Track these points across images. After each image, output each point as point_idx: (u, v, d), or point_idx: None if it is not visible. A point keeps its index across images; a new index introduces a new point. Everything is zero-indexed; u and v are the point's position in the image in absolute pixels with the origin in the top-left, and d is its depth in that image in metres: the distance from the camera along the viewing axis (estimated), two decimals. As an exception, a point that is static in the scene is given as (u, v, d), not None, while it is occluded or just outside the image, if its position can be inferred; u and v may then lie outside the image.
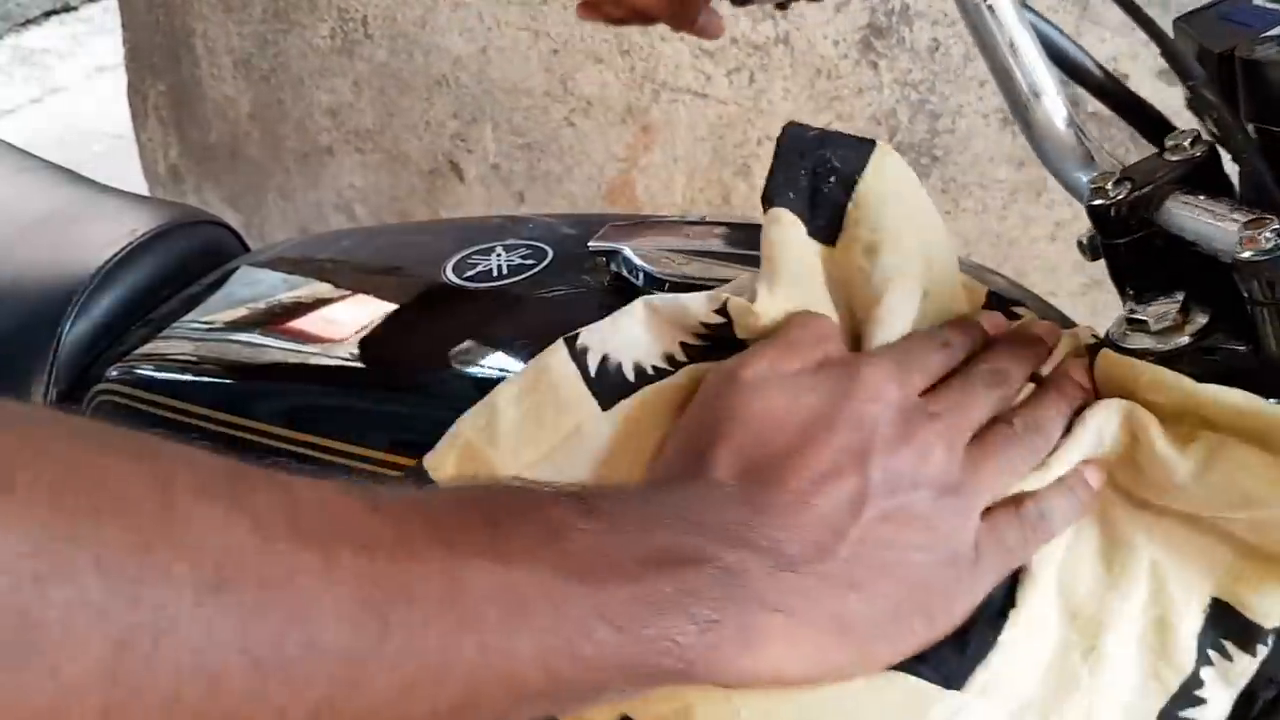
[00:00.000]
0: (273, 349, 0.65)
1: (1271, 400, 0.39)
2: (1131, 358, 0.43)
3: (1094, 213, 0.45)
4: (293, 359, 0.64)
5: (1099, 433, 0.41)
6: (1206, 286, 0.44)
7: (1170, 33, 0.45)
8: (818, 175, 0.46)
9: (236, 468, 0.27)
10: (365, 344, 0.62)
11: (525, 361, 0.55)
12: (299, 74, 1.85)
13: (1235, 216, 0.40)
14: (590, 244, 0.59)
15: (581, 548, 0.32)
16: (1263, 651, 0.40)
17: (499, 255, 0.62)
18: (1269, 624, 0.40)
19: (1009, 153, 1.29)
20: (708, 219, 0.61)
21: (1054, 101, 0.47)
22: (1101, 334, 0.46)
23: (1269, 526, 0.38)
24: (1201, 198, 0.43)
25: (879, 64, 1.35)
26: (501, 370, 0.57)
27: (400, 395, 0.59)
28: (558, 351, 0.46)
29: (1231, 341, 0.42)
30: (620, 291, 0.56)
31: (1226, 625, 0.40)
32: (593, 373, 0.45)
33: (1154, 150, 0.46)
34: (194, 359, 0.67)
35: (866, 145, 0.47)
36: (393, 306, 0.63)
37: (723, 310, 0.44)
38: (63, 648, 0.22)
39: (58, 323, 0.70)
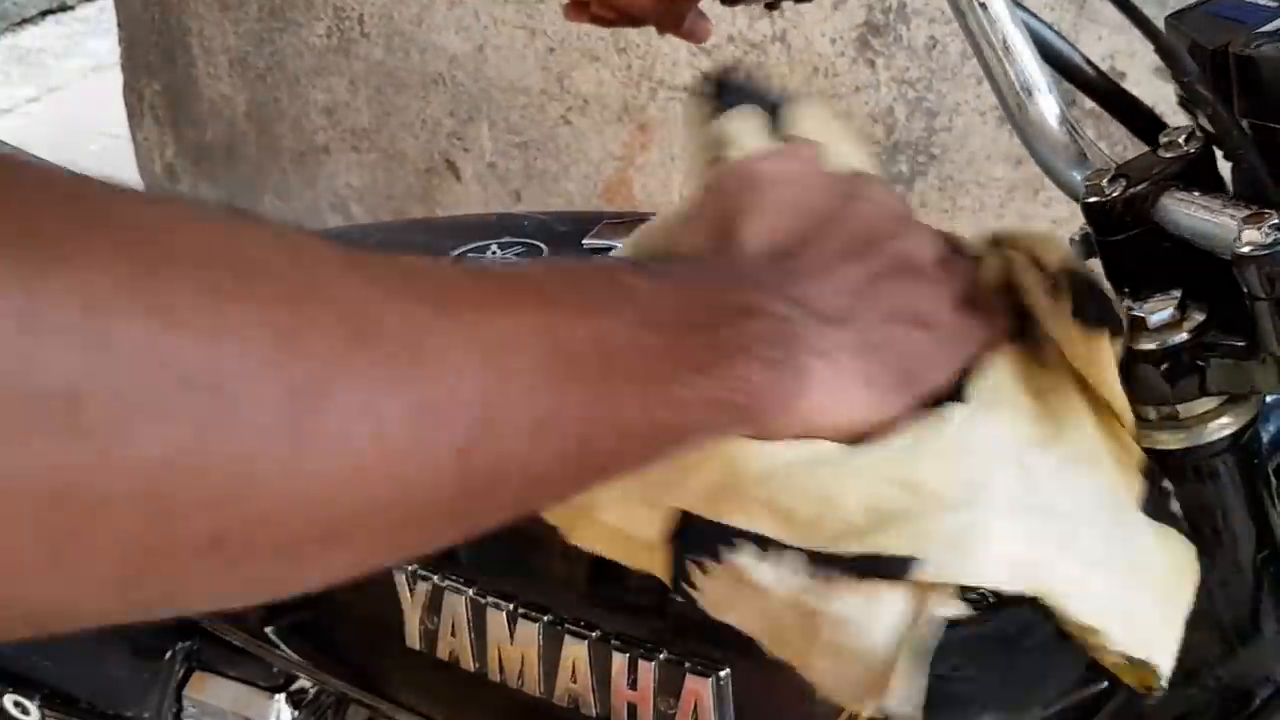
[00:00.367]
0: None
1: (1272, 398, 0.39)
2: None
3: (1089, 210, 0.45)
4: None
5: None
6: (1203, 283, 0.44)
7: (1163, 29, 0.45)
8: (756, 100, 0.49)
9: (353, 254, 0.28)
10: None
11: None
12: (295, 73, 1.85)
13: (1233, 212, 0.40)
14: (584, 241, 0.59)
15: (654, 304, 0.35)
16: None
17: (494, 253, 0.62)
18: None
19: (1006, 151, 1.29)
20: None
21: (1047, 99, 0.47)
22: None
23: None
24: (1196, 194, 0.43)
25: (876, 62, 1.35)
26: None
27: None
28: None
29: (1230, 337, 0.42)
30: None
31: None
32: None
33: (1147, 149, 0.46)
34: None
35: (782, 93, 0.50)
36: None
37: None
38: (241, 400, 0.23)
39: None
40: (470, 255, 0.63)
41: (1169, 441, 0.45)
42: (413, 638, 0.53)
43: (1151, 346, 0.43)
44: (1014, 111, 0.48)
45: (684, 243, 0.44)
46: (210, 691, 0.70)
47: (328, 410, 0.25)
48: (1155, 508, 0.44)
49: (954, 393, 0.42)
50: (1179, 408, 0.44)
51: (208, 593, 0.27)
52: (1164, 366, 0.43)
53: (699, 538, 0.41)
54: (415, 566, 0.52)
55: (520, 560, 0.51)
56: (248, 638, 0.63)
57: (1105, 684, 0.47)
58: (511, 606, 0.50)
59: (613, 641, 0.48)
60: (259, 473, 0.24)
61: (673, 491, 0.41)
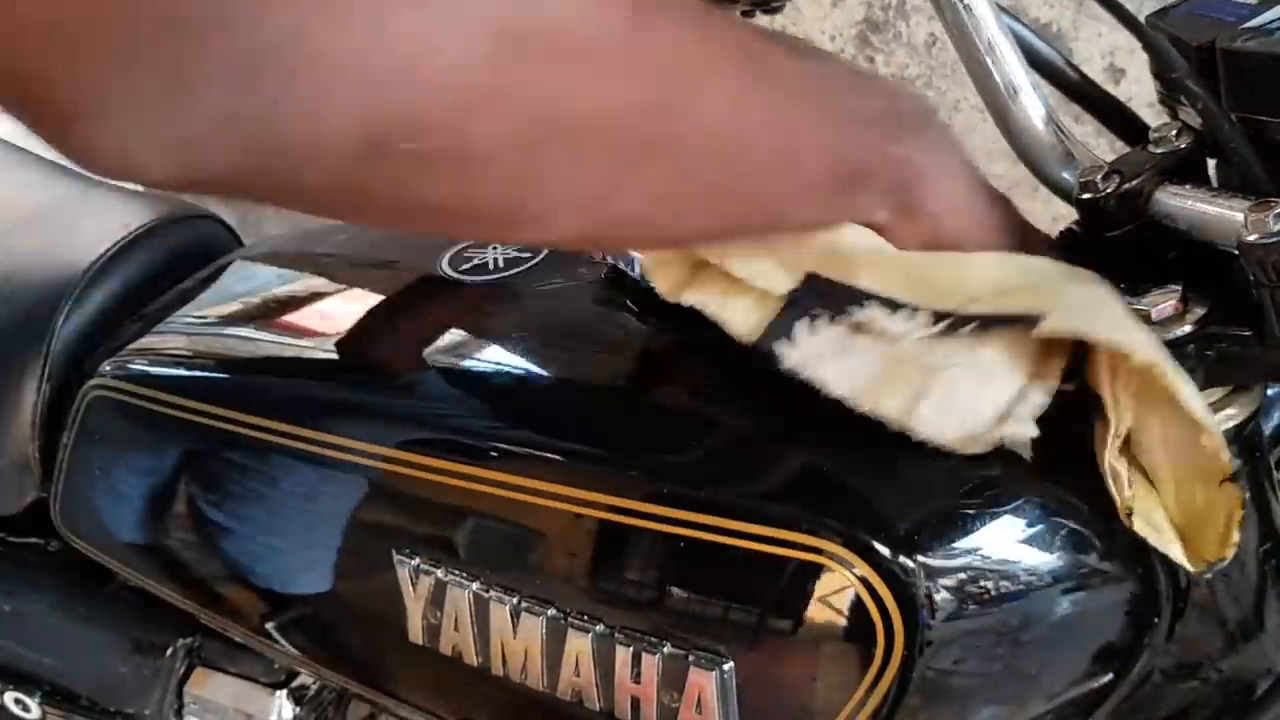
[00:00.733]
0: (267, 344, 0.65)
1: (1273, 391, 0.40)
2: None
3: (1084, 206, 0.45)
4: (287, 353, 0.64)
5: None
6: (1200, 276, 0.44)
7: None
8: None
9: None
10: (360, 338, 0.62)
11: (521, 356, 0.55)
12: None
13: (1236, 202, 0.40)
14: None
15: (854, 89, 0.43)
16: None
17: (495, 249, 0.62)
18: None
19: (1006, 147, 1.29)
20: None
21: (1031, 99, 0.47)
22: None
23: None
24: (1189, 187, 0.43)
25: (875, 59, 1.35)
26: (496, 364, 0.57)
27: (394, 389, 0.59)
28: None
29: (1234, 329, 0.42)
30: (616, 285, 0.56)
31: None
32: None
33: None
34: (188, 354, 0.67)
35: None
36: (388, 300, 0.63)
37: None
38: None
39: (51, 318, 0.69)
40: (470, 252, 0.63)
41: (1172, 434, 0.45)
42: (415, 632, 0.53)
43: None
44: (999, 111, 0.48)
45: None
46: (211, 687, 0.71)
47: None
48: None
49: None
50: (1183, 400, 0.44)
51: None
52: (1167, 359, 0.44)
53: (828, 292, 0.44)
54: (418, 561, 0.52)
55: (523, 554, 0.51)
56: (249, 633, 0.63)
57: (1109, 676, 0.47)
58: (515, 600, 0.50)
59: (616, 635, 0.48)
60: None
61: (811, 257, 0.45)
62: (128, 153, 0.27)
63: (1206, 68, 0.42)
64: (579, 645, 0.49)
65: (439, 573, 0.52)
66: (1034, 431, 0.42)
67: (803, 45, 0.44)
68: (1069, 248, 0.48)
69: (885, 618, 0.43)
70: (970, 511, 0.44)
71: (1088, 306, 0.42)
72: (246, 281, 0.71)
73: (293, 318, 0.66)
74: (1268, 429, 0.49)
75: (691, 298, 0.48)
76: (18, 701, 0.75)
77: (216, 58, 0.26)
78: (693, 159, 0.37)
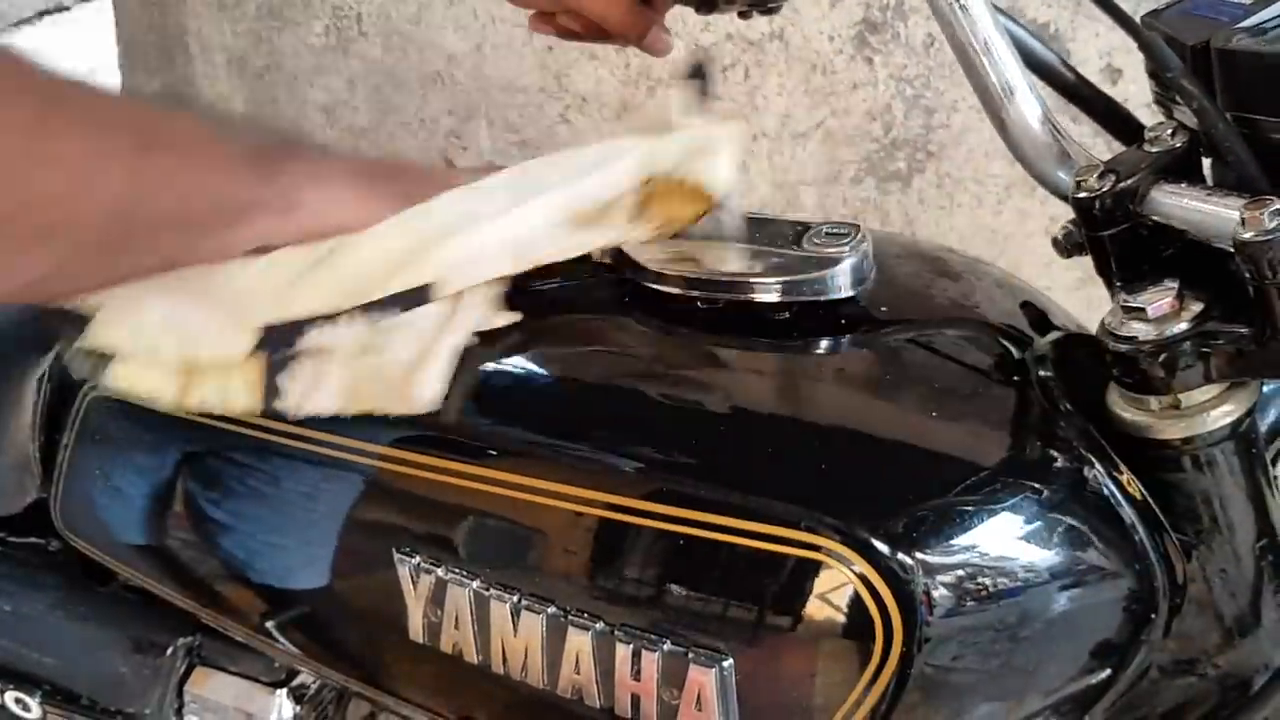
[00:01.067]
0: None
1: (1277, 383, 0.40)
2: None
3: (1080, 205, 0.45)
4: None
5: None
6: (1195, 273, 0.44)
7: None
8: None
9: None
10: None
11: (519, 355, 0.55)
12: (293, 72, 1.85)
13: (1232, 200, 0.40)
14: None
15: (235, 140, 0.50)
16: None
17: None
18: None
19: (1004, 148, 1.29)
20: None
21: (1027, 99, 0.48)
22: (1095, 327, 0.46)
23: None
24: (1184, 186, 0.43)
25: (874, 60, 1.35)
26: (494, 364, 0.57)
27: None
28: None
29: (1231, 325, 0.43)
30: (616, 283, 0.56)
31: None
32: None
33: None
34: (188, 354, 0.67)
35: None
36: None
37: None
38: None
39: (51, 319, 0.69)
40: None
41: (1170, 431, 0.45)
42: (416, 631, 0.54)
43: (1151, 337, 0.44)
44: (995, 111, 0.48)
45: None
46: (211, 687, 0.71)
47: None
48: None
49: None
50: (1180, 397, 0.45)
51: None
52: (1163, 357, 0.44)
53: (282, 336, 0.51)
54: (419, 559, 0.52)
55: (523, 552, 0.51)
56: (249, 632, 0.63)
57: (1106, 672, 0.47)
58: (515, 599, 0.50)
59: (616, 633, 0.48)
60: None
61: (249, 312, 0.51)
62: None
63: (1201, 67, 0.42)
64: (579, 643, 0.49)
65: (439, 571, 0.52)
66: (439, 385, 0.51)
67: (194, 113, 0.54)
68: (1068, 244, 0.48)
69: (884, 614, 0.44)
70: (968, 508, 0.45)
71: (467, 259, 0.51)
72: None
73: (293, 317, 0.66)
74: (1263, 425, 0.50)
75: (194, 403, 0.54)
76: (18, 701, 0.75)
77: None
78: (86, 234, 0.44)
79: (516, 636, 0.50)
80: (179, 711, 0.71)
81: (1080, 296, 1.23)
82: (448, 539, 0.52)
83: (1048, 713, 0.47)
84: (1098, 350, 0.46)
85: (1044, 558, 0.45)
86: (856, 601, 0.44)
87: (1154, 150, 0.45)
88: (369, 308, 0.51)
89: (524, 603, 0.50)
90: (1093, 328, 0.48)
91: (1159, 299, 0.44)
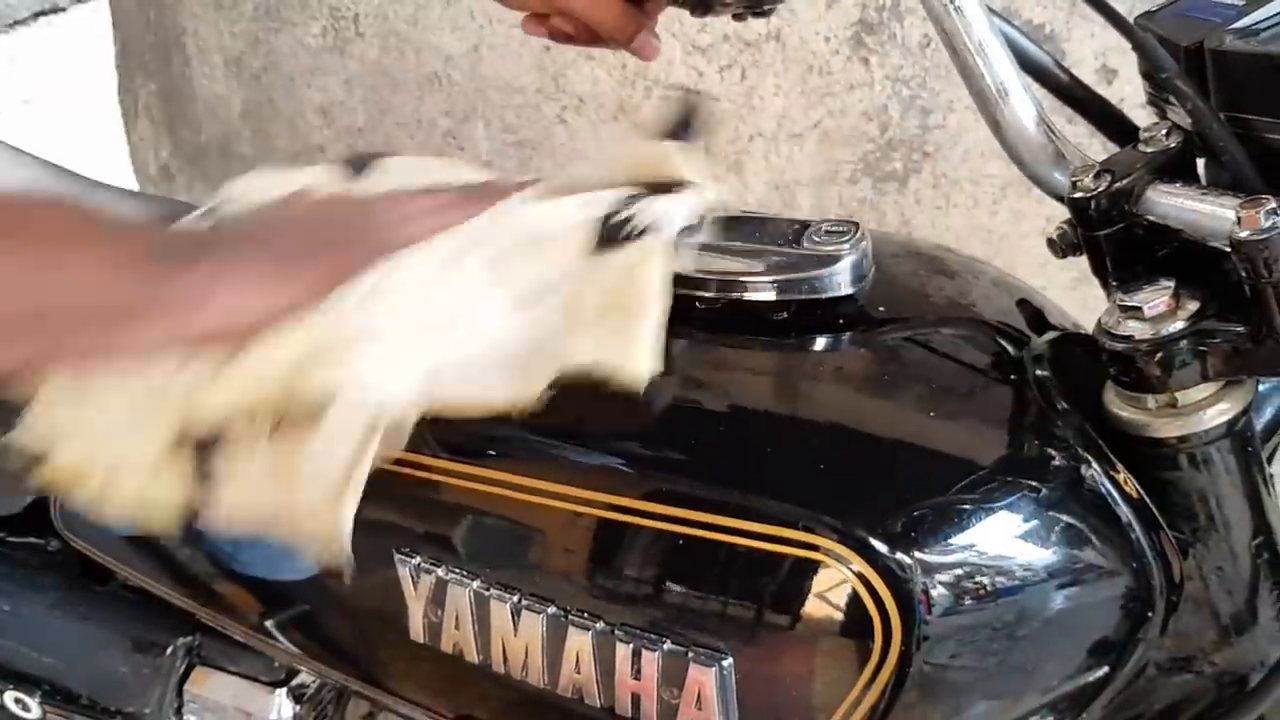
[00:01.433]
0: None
1: (1272, 382, 0.40)
2: None
3: (1075, 206, 0.45)
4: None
5: None
6: (1190, 273, 0.44)
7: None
8: None
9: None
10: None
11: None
12: (290, 73, 1.85)
13: (1227, 200, 0.41)
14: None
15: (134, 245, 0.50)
16: None
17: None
18: None
19: (1000, 149, 1.30)
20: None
21: (1022, 100, 0.48)
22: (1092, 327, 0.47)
23: None
24: (1179, 186, 0.44)
25: (870, 60, 1.35)
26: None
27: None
28: None
29: (1228, 324, 0.43)
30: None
31: None
32: None
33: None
34: (188, 354, 0.67)
35: None
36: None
37: None
38: None
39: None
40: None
41: (1167, 429, 0.46)
42: (416, 631, 0.54)
43: (1148, 335, 0.44)
44: (990, 112, 0.49)
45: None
46: (211, 686, 0.71)
47: None
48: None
49: None
50: (1177, 395, 0.45)
51: None
52: (1160, 355, 0.44)
53: (204, 446, 0.52)
54: (419, 560, 0.53)
55: (524, 552, 0.51)
56: (249, 632, 0.64)
57: (1104, 670, 0.47)
58: (515, 598, 0.50)
59: (616, 632, 0.48)
60: None
61: (178, 412, 0.52)
62: None
63: (1195, 68, 0.42)
64: (579, 642, 0.49)
65: (440, 571, 0.52)
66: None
67: (110, 211, 0.54)
68: (1063, 243, 0.48)
69: (882, 613, 0.44)
70: (966, 508, 0.45)
71: (367, 379, 0.50)
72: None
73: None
74: (1259, 423, 0.50)
75: (117, 514, 0.55)
76: (18, 701, 0.75)
77: None
78: None
79: (517, 636, 0.50)
80: (178, 711, 0.71)
81: (1076, 297, 1.23)
82: (448, 539, 0.52)
83: (1045, 710, 0.47)
84: (1094, 349, 0.47)
85: (1041, 556, 0.45)
86: (855, 600, 0.44)
87: (1149, 150, 0.45)
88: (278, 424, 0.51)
89: (524, 602, 0.50)
90: (1088, 328, 0.48)
91: (1155, 298, 0.44)
